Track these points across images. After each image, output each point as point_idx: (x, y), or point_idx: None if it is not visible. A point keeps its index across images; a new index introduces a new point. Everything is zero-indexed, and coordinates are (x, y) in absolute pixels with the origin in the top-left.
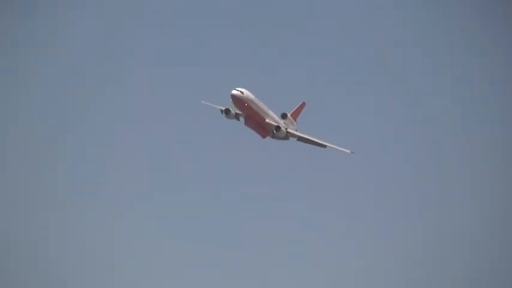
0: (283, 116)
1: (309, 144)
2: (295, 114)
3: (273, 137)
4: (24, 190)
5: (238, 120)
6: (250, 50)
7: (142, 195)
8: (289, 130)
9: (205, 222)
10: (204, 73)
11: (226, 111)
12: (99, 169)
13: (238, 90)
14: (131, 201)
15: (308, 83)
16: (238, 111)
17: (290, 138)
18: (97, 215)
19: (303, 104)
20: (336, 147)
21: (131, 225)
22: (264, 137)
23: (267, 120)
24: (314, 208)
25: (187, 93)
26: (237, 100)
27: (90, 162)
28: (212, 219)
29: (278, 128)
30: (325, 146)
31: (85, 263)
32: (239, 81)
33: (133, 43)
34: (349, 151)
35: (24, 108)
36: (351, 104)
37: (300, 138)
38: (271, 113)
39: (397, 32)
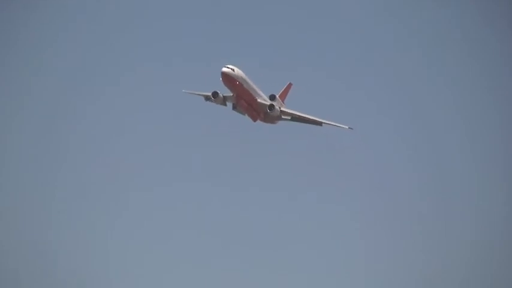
0: (272, 98)
1: (303, 124)
2: (282, 96)
3: (264, 119)
4: (24, 190)
5: (226, 105)
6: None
7: (139, 191)
8: (283, 109)
9: (209, 215)
10: (176, 61)
11: (214, 95)
12: (96, 168)
13: (228, 68)
14: (126, 199)
15: (291, 63)
16: (226, 94)
17: (280, 120)
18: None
19: (290, 85)
20: (334, 123)
21: (128, 222)
22: (255, 120)
23: (258, 100)
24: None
25: (165, 84)
26: (228, 78)
27: (86, 162)
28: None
29: (272, 106)
30: (321, 124)
31: (87, 263)
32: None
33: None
34: (347, 127)
35: (24, 108)
36: (336, 83)
37: (294, 118)
38: (261, 92)
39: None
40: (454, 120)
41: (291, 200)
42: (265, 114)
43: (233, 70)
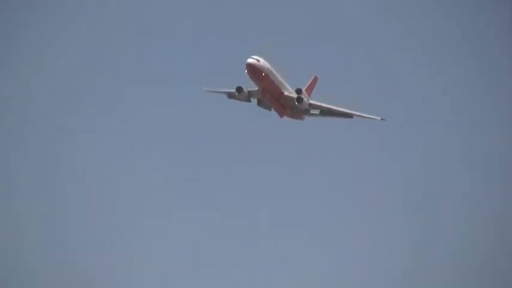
0: (298, 92)
1: (331, 119)
2: (308, 90)
3: (291, 115)
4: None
5: (250, 101)
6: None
7: (150, 192)
8: (311, 101)
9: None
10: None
11: (239, 90)
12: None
13: (254, 58)
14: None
15: (314, 56)
16: (250, 89)
17: (307, 116)
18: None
19: (316, 78)
20: (365, 115)
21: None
22: (281, 115)
23: (285, 93)
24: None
25: (185, 81)
26: (254, 70)
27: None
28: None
29: (300, 99)
30: (351, 116)
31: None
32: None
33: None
34: (379, 118)
35: (24, 108)
36: (362, 73)
37: (322, 112)
38: (287, 85)
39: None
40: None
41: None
42: (293, 108)
43: (258, 61)
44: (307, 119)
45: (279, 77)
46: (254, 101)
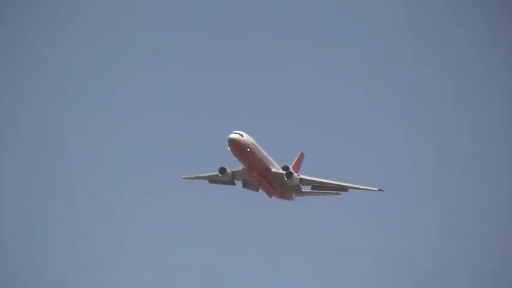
0: (286, 169)
1: (323, 195)
2: (295, 167)
3: (281, 194)
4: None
5: (234, 184)
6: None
7: None
8: (302, 176)
9: None
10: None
11: (222, 171)
12: None
13: (237, 133)
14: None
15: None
16: (234, 169)
17: (299, 195)
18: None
19: (302, 155)
20: (362, 187)
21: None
22: (271, 195)
23: (273, 170)
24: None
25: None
26: (238, 146)
27: None
28: None
29: (290, 174)
30: (346, 190)
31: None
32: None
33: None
34: (376, 189)
35: (25, 108)
36: (348, 145)
37: (314, 187)
38: (274, 161)
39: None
40: None
41: None
42: (282, 185)
43: (242, 135)
44: (298, 199)
45: (265, 153)
46: (238, 183)
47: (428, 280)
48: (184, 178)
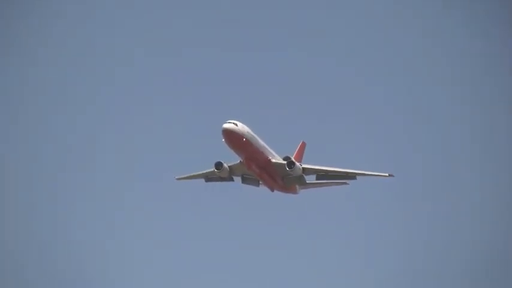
0: (287, 159)
1: (329, 186)
2: (297, 157)
3: (284, 187)
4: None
5: (233, 180)
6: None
7: None
8: (305, 165)
9: None
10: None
11: (218, 166)
12: None
13: (231, 123)
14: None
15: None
16: (231, 164)
17: (303, 187)
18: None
19: (303, 144)
20: (371, 173)
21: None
22: (272, 189)
23: (273, 161)
24: None
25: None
26: (233, 136)
27: None
28: None
29: (292, 163)
30: (355, 177)
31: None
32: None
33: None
34: (387, 174)
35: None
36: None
37: (319, 177)
38: (273, 152)
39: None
40: None
41: None
42: (284, 177)
43: (236, 125)
44: (302, 191)
45: (262, 143)
46: (237, 179)
47: (429, 280)
48: (178, 179)
